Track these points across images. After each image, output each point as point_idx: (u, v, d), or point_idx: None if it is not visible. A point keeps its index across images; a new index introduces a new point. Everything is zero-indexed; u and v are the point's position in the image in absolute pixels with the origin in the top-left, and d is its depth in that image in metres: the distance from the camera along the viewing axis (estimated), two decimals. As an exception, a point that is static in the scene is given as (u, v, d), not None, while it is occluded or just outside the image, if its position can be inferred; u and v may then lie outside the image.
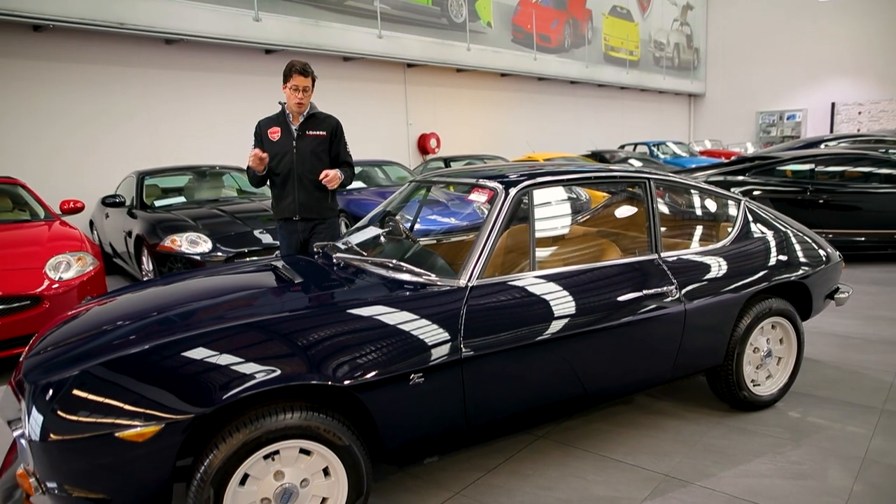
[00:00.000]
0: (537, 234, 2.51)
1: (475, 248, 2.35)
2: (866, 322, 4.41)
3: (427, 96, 12.60)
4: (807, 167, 6.49)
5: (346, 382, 1.94)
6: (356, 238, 2.91)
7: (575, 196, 8.53)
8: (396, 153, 11.93)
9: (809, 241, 3.26)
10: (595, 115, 17.17)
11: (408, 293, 2.24)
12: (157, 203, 6.26)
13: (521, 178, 2.54)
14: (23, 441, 1.99)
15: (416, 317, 2.14)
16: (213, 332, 1.96)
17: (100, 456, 1.75)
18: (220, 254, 5.25)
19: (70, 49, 7.81)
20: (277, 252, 5.36)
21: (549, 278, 2.43)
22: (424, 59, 11.70)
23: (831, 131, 18.03)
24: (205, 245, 5.25)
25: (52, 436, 1.74)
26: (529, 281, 2.38)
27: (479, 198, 2.55)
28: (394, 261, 2.44)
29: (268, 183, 3.81)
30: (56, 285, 4.10)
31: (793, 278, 3.01)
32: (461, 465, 2.65)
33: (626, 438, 2.83)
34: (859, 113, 18.09)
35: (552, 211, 3.12)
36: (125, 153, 8.34)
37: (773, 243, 3.08)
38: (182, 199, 6.46)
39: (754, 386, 3.01)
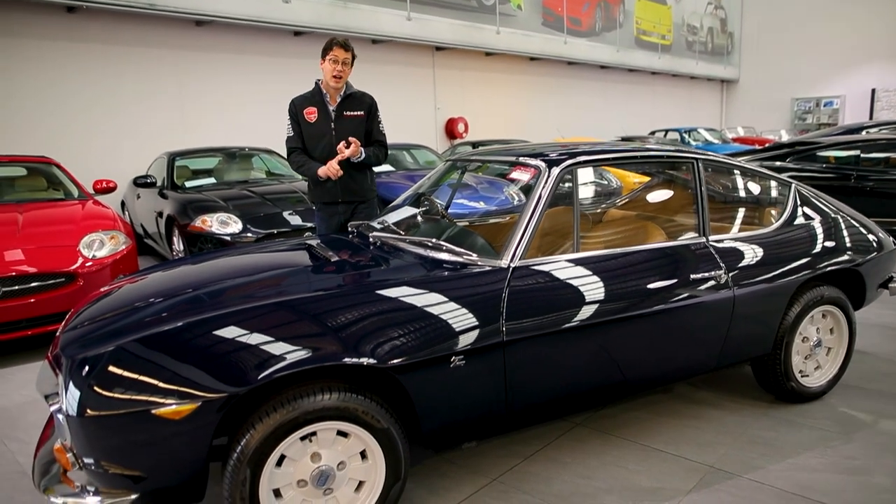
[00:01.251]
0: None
1: (517, 227, 2.26)
2: (916, 314, 4.24)
3: (455, 80, 12.46)
4: (851, 153, 6.25)
5: (386, 364, 1.88)
6: (392, 217, 2.84)
7: (606, 181, 8.39)
8: (424, 137, 11.83)
9: (863, 226, 3.11)
10: (625, 100, 16.85)
11: (448, 273, 2.17)
12: (188, 184, 6.28)
13: (565, 157, 2.45)
14: (60, 416, 1.97)
15: (457, 297, 2.06)
16: (250, 310, 1.91)
17: (136, 433, 1.72)
18: (249, 234, 5.24)
19: (102, 30, 7.84)
20: (307, 234, 5.35)
21: (593, 260, 2.33)
22: (453, 43, 11.55)
23: (871, 118, 17.45)
24: (235, 226, 5.25)
25: (88, 411, 1.71)
26: (573, 263, 2.29)
27: (521, 176, 2.46)
28: (433, 240, 2.37)
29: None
30: (90, 263, 4.12)
31: (846, 265, 2.87)
32: (497, 451, 2.59)
33: (667, 428, 2.74)
34: (901, 100, 17.47)
35: (592, 191, 3.02)
36: (156, 135, 8.39)
37: (825, 228, 2.94)
38: (212, 180, 6.47)
39: (802, 377, 2.89)
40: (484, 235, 3.07)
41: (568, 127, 14.77)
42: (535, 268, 2.22)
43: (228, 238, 5.21)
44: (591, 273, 2.29)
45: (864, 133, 9.77)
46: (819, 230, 2.91)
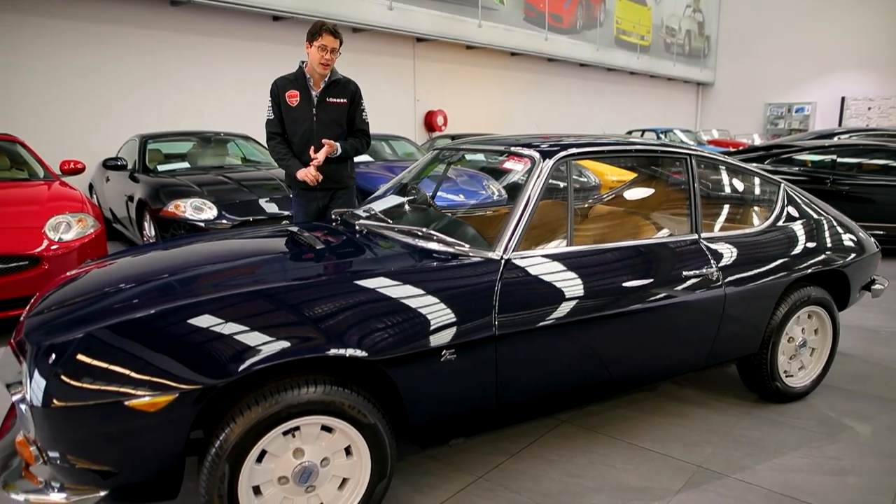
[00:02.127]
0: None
1: (511, 218, 2.19)
2: (893, 316, 4.29)
3: (436, 73, 12.35)
4: (828, 157, 6.33)
5: (374, 356, 1.80)
6: (378, 205, 2.75)
7: (585, 178, 8.37)
8: (403, 129, 11.70)
9: (848, 228, 3.12)
10: (603, 99, 16.93)
11: (439, 263, 2.09)
12: (161, 168, 6.07)
13: (558, 148, 2.38)
14: (23, 406, 1.84)
15: (448, 288, 1.99)
16: (230, 298, 1.81)
17: (107, 425, 1.60)
18: (224, 221, 5.08)
19: (74, 7, 7.54)
20: (284, 221, 5.21)
21: (587, 254, 2.28)
22: (435, 34, 11.43)
23: (840, 125, 17.84)
24: (209, 212, 5.08)
25: (55, 402, 1.60)
26: (567, 256, 2.23)
27: (514, 166, 2.40)
28: (423, 229, 2.28)
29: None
30: (55, 246, 3.94)
31: (833, 266, 2.87)
32: (482, 448, 2.52)
33: (653, 426, 2.71)
34: (869, 108, 17.90)
35: (580, 184, 2.97)
36: (130, 117, 8.11)
37: (813, 229, 2.94)
38: (186, 164, 6.27)
39: (787, 377, 2.89)
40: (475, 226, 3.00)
41: (547, 123, 14.77)
42: (529, 260, 2.16)
43: (202, 224, 5.05)
44: (585, 267, 2.24)
45: (836, 139, 9.95)
46: (807, 231, 2.91)
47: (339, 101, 3.46)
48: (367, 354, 1.79)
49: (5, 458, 1.87)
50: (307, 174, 3.34)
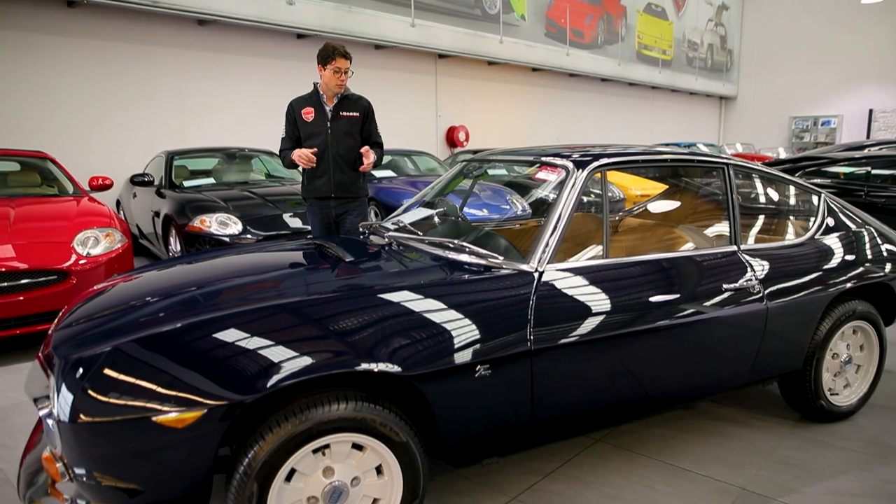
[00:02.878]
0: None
1: (545, 229, 2.13)
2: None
3: (457, 88, 12.37)
4: (862, 170, 6.17)
5: (408, 372, 1.74)
6: (407, 217, 2.70)
7: (610, 192, 8.27)
8: (425, 144, 11.72)
9: (891, 239, 3.00)
10: (625, 113, 16.82)
11: (472, 276, 2.03)
12: (187, 183, 6.12)
13: (593, 157, 2.32)
14: (50, 421, 1.81)
15: (482, 301, 1.92)
16: (259, 311, 1.76)
17: (134, 441, 1.56)
18: (249, 236, 5.09)
19: (103, 26, 7.70)
20: (309, 234, 5.21)
21: (623, 266, 2.20)
22: (456, 50, 11.47)
23: (868, 138, 17.50)
24: (234, 227, 5.09)
25: (82, 416, 1.56)
26: (603, 268, 2.16)
27: (547, 176, 2.33)
28: (455, 241, 2.23)
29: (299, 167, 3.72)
30: (83, 261, 3.95)
31: (879, 279, 2.75)
32: (515, 468, 2.44)
33: (693, 446, 2.60)
34: (898, 120, 17.54)
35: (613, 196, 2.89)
36: (155, 133, 8.22)
37: (857, 240, 2.82)
38: (211, 180, 6.31)
39: (831, 395, 2.76)
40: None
41: (568, 138, 14.70)
42: (564, 272, 2.09)
43: (227, 239, 5.06)
44: (622, 280, 2.16)
45: (867, 150, 9.73)
46: (851, 242, 2.80)
47: (351, 114, 3.68)
48: (399, 370, 1.73)
49: (31, 475, 1.84)
50: (300, 155, 3.52)
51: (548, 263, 2.07)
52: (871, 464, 2.45)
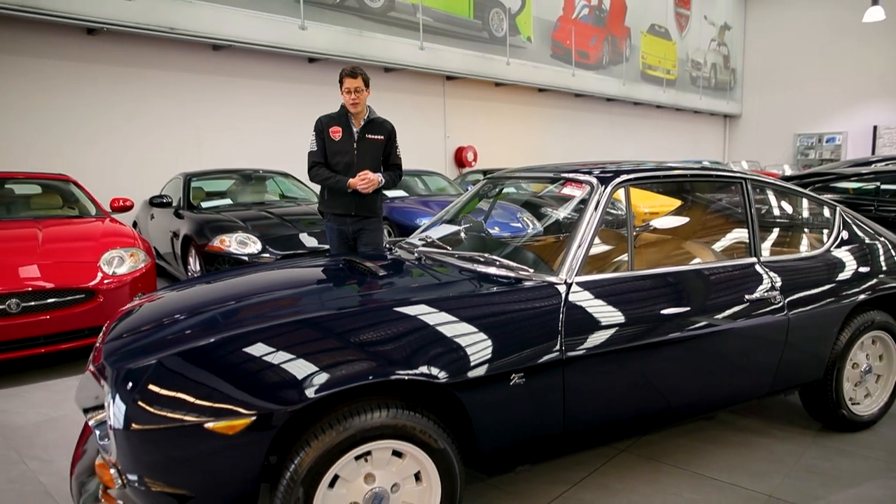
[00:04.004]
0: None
1: (572, 243, 2.20)
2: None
3: (465, 109, 12.53)
4: (871, 185, 6.24)
5: (446, 380, 1.80)
6: (435, 233, 2.78)
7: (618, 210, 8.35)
8: (433, 165, 11.84)
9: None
10: (630, 132, 16.96)
11: (504, 288, 2.09)
12: (205, 204, 6.23)
13: (615, 174, 2.39)
14: (97, 431, 1.88)
15: (514, 312, 1.99)
16: (305, 322, 1.83)
17: (186, 448, 1.62)
18: (267, 255, 5.17)
19: (122, 53, 7.88)
20: (326, 253, 5.30)
21: (649, 278, 2.26)
22: (464, 72, 11.65)
23: (873, 154, 17.57)
24: (254, 246, 5.18)
25: (136, 425, 1.62)
26: (629, 280, 2.23)
27: (573, 192, 2.41)
28: (486, 254, 2.30)
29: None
30: (109, 280, 4.04)
31: (897, 290, 2.81)
32: (543, 478, 2.48)
33: (717, 455, 2.64)
34: (903, 137, 17.63)
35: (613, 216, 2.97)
36: (170, 156, 8.37)
37: (873, 251, 2.88)
38: (228, 201, 6.42)
39: (853, 404, 2.80)
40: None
41: (575, 158, 14.82)
42: (592, 284, 2.15)
43: (246, 258, 5.14)
44: (649, 291, 2.22)
45: (873, 166, 9.78)
46: (867, 254, 2.86)
47: (376, 137, 3.84)
48: (439, 378, 1.79)
49: (82, 483, 1.90)
50: (357, 182, 3.67)
51: (576, 275, 2.14)
52: (894, 472, 2.48)
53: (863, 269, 2.77)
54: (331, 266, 2.57)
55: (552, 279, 2.12)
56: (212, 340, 1.76)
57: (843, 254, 2.79)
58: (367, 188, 3.69)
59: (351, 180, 3.69)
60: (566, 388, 2.01)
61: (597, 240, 2.77)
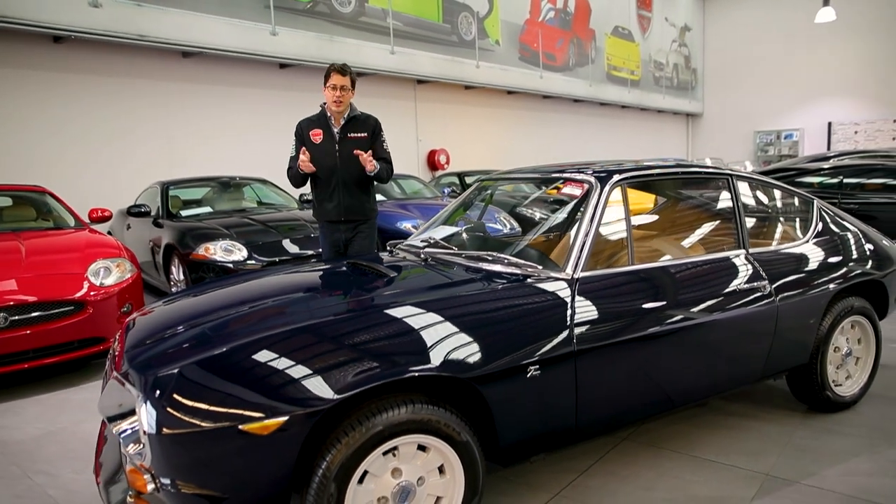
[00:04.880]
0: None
1: (576, 240, 2.29)
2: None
3: (436, 113, 12.62)
4: (835, 178, 6.52)
5: (468, 373, 1.87)
6: (437, 234, 2.85)
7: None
8: (407, 169, 11.88)
9: (877, 240, 3.24)
10: (597, 132, 17.28)
11: (515, 285, 2.17)
12: (184, 213, 6.17)
13: (610, 173, 2.50)
14: (122, 438, 1.89)
15: (527, 308, 2.07)
16: (331, 323, 1.89)
17: (221, 450, 1.66)
18: (253, 262, 5.16)
19: (89, 60, 7.75)
20: (312, 259, 5.31)
21: (649, 272, 2.37)
22: (435, 76, 11.73)
23: (828, 150, 18.24)
24: (239, 253, 5.16)
25: (170, 429, 1.65)
26: (632, 274, 2.33)
27: (572, 191, 2.51)
28: (493, 253, 2.38)
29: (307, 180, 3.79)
30: (97, 292, 3.99)
31: (872, 276, 2.98)
32: (551, 467, 2.56)
33: (712, 439, 2.76)
34: (855, 132, 18.33)
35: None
36: (141, 165, 8.24)
37: (850, 241, 3.05)
38: (208, 209, 6.37)
39: (836, 386, 2.96)
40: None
41: (545, 158, 15.03)
42: (597, 279, 2.25)
43: (231, 266, 5.12)
44: (650, 284, 2.33)
45: (832, 161, 10.18)
46: (845, 243, 3.02)
47: (359, 135, 3.71)
48: (462, 372, 1.86)
49: (110, 492, 1.91)
50: (302, 160, 3.53)
51: (581, 271, 2.23)
52: (878, 447, 2.63)
53: (841, 258, 2.93)
54: (340, 269, 2.62)
55: (560, 275, 2.21)
56: (243, 342, 1.80)
57: (823, 244, 2.95)
58: (364, 163, 3.53)
59: (299, 162, 3.55)
60: (578, 379, 2.10)
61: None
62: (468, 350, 1.90)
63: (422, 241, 2.84)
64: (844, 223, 3.17)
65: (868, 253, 3.07)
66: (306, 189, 4.18)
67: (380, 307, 1.99)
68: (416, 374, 1.78)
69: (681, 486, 2.39)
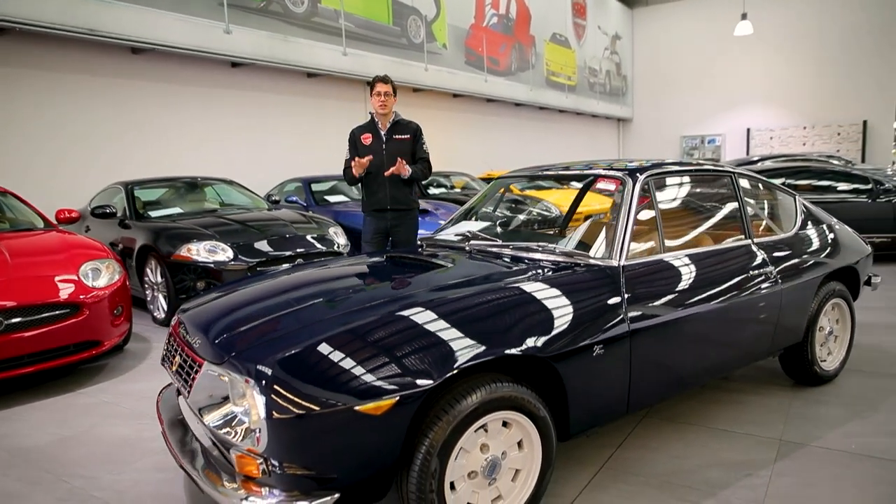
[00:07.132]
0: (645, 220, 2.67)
1: (618, 231, 2.49)
2: (880, 312, 4.85)
3: (386, 114, 12.67)
4: (777, 180, 7.09)
5: (547, 353, 2.02)
6: (474, 227, 2.98)
7: (546, 210, 8.86)
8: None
9: (850, 231, 3.62)
10: (537, 135, 17.80)
11: (571, 271, 2.34)
12: (154, 213, 5.99)
13: (639, 170, 2.71)
14: (215, 426, 1.91)
15: (587, 292, 2.25)
16: (425, 307, 1.98)
17: (335, 431, 1.73)
18: (237, 263, 5.09)
19: (35, 54, 7.35)
20: (325, 256, 5.34)
21: (680, 259, 2.60)
22: (386, 78, 11.79)
23: (748, 154, 19.55)
24: (224, 253, 5.08)
25: (283, 414, 1.71)
26: (667, 261, 2.55)
27: (607, 186, 2.70)
28: (541, 244, 2.54)
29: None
30: (91, 293, 3.86)
31: (850, 263, 3.35)
32: (587, 443, 2.75)
33: (722, 412, 3.03)
34: (771, 138, 19.75)
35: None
36: (89, 164, 7.88)
37: (830, 232, 3.41)
38: (178, 209, 6.21)
39: (821, 362, 3.30)
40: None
41: (489, 160, 15.37)
42: (639, 266, 2.45)
43: (213, 266, 5.04)
44: (683, 270, 2.56)
45: (759, 164, 10.99)
46: (826, 233, 3.38)
47: (403, 136, 4.38)
48: (542, 351, 2.00)
49: (208, 478, 1.93)
50: (357, 164, 4.14)
51: (625, 259, 2.43)
52: (865, 413, 2.98)
53: (826, 247, 3.28)
54: (405, 261, 2.72)
55: (610, 262, 2.40)
56: (348, 328, 1.87)
57: (809, 234, 3.29)
58: (397, 170, 4.10)
59: (355, 170, 4.18)
60: (632, 357, 2.29)
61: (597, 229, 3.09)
62: (545, 331, 2.05)
63: (456, 235, 2.97)
64: (820, 216, 3.53)
65: (845, 242, 3.44)
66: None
67: (461, 296, 2.10)
68: (513, 353, 1.91)
69: (709, 453, 2.63)
